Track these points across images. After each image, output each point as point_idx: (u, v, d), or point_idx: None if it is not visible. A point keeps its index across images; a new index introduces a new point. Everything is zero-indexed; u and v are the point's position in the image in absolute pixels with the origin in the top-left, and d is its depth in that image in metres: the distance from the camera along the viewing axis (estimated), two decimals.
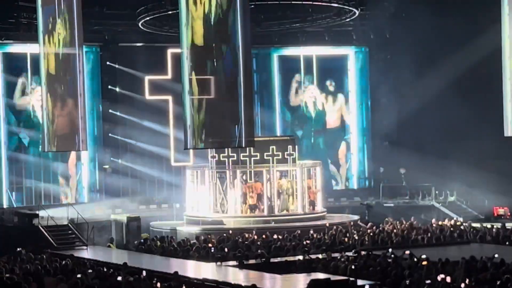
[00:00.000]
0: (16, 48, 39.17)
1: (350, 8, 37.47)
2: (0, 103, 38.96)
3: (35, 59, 35.71)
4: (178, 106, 36.59)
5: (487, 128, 37.91)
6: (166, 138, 41.22)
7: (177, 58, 33.67)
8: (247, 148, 32.93)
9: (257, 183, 35.10)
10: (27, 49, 38.56)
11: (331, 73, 44.36)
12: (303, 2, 37.03)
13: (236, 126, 29.28)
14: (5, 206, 38.07)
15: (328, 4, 37.14)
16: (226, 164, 34.78)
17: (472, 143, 38.46)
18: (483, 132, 38.10)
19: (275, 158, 34.82)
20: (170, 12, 35.66)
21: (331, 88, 44.21)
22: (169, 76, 40.86)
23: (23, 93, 39.41)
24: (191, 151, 38.31)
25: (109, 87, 41.18)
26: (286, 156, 35.07)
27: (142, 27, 38.54)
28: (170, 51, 40.44)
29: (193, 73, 29.82)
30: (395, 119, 42.69)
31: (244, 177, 35.12)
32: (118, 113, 41.28)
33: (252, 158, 34.62)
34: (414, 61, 39.98)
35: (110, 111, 41.08)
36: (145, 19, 37.45)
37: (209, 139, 30.13)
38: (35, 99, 38.92)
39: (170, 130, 41.11)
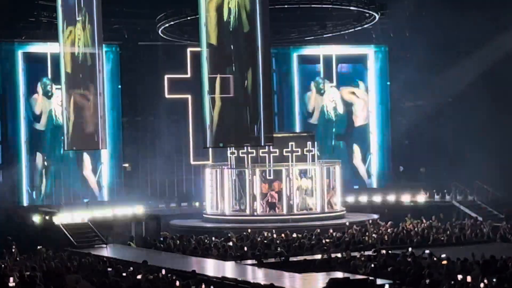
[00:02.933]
0: (36, 48, 39.31)
1: (371, 12, 37.19)
2: (21, 102, 39.08)
3: (55, 59, 35.83)
4: (198, 105, 36.64)
5: (508, 126, 37.71)
6: (185, 137, 41.27)
7: (197, 57, 33.70)
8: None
9: (275, 183, 35.14)
10: (47, 49, 38.70)
11: (350, 72, 44.11)
12: (323, 6, 36.76)
13: (255, 124, 29.30)
14: (25, 204, 38.23)
15: (348, 7, 36.84)
16: (245, 161, 34.78)
17: (493, 142, 38.27)
18: (504, 130, 37.90)
19: (294, 154, 34.80)
20: (189, 18, 35.46)
21: (352, 88, 43.93)
22: (188, 74, 40.91)
23: (44, 92, 39.53)
24: (210, 149, 38.34)
25: (129, 85, 41.26)
26: (305, 153, 35.03)
27: (162, 35, 38.52)
28: (189, 50, 40.48)
29: (213, 72, 29.86)
30: (415, 117, 42.50)
31: (263, 174, 35.17)
32: (137, 112, 41.37)
33: (272, 155, 34.62)
34: (434, 59, 39.82)
35: (129, 109, 41.16)
36: (165, 25, 37.32)
37: (228, 137, 30.18)
38: (56, 98, 39.03)
39: (189, 129, 41.15)
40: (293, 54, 43.62)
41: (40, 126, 39.48)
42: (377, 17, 37.69)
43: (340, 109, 43.62)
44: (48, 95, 39.54)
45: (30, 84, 39.35)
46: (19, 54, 39.15)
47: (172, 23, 36.85)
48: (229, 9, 29.46)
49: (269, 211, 35.08)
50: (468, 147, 38.94)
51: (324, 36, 41.25)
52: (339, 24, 39.93)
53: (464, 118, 40.14)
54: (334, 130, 43.67)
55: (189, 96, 40.89)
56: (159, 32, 38.11)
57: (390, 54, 43.87)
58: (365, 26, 39.51)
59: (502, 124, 38.45)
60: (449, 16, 38.03)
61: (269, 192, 35.31)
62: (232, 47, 29.75)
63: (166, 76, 40.95)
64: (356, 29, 39.83)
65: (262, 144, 30.70)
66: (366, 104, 43.80)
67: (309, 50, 43.73)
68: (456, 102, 39.83)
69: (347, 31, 40.45)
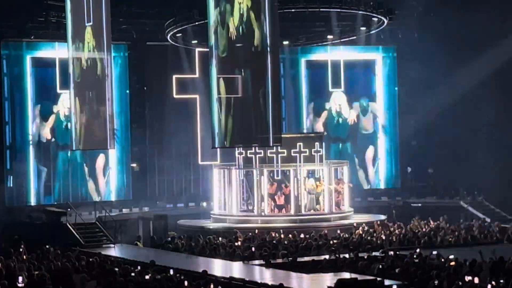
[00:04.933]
0: (44, 53, 39.30)
1: (379, 17, 37.04)
2: (29, 107, 39.07)
3: (64, 64, 35.84)
4: (206, 105, 36.70)
5: None
6: (193, 137, 41.30)
7: (205, 57, 33.75)
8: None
9: (286, 188, 35.08)
10: (56, 54, 38.73)
11: (358, 78, 43.88)
12: (330, 10, 36.63)
13: (263, 124, 29.33)
14: (33, 203, 38.30)
15: (356, 11, 36.67)
16: (253, 161, 34.80)
17: (501, 143, 38.24)
18: None
19: (302, 155, 34.78)
20: (197, 23, 35.38)
21: (359, 93, 43.71)
22: (196, 75, 40.94)
23: (52, 95, 39.58)
24: (218, 150, 38.36)
25: (137, 85, 41.32)
26: (313, 153, 35.01)
27: (170, 41, 38.48)
28: (197, 50, 40.51)
29: (221, 72, 29.89)
30: (423, 118, 42.43)
31: (271, 174, 35.17)
32: (145, 112, 41.43)
33: (279, 155, 34.61)
34: (442, 60, 39.77)
35: (137, 109, 41.21)
36: (173, 31, 37.26)
37: (236, 137, 30.21)
38: (64, 101, 38.99)
39: (197, 129, 41.18)
40: (301, 59, 43.49)
41: (49, 129, 39.46)
42: (386, 21, 37.45)
43: (346, 113, 43.38)
44: (57, 97, 39.57)
45: (38, 87, 39.35)
46: (28, 59, 39.17)
47: (180, 28, 36.75)
48: (240, 10, 29.50)
49: (277, 212, 35.06)
50: (476, 148, 38.93)
51: (333, 42, 41.14)
52: (347, 29, 39.80)
53: (473, 118, 40.09)
54: (340, 134, 43.48)
55: (197, 96, 40.92)
56: (168, 37, 38.07)
57: (398, 55, 43.68)
58: (374, 31, 39.39)
59: (511, 125, 38.40)
60: (457, 16, 37.96)
61: (278, 194, 35.22)
62: (241, 48, 29.77)
63: (174, 76, 40.98)
64: (365, 34, 39.71)
65: (270, 145, 30.73)
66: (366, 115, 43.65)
67: (317, 56, 43.51)
68: (465, 102, 39.76)
69: (355, 37, 40.27)
